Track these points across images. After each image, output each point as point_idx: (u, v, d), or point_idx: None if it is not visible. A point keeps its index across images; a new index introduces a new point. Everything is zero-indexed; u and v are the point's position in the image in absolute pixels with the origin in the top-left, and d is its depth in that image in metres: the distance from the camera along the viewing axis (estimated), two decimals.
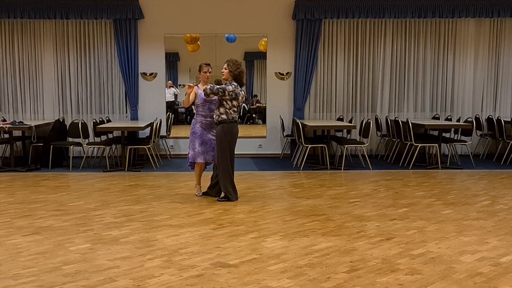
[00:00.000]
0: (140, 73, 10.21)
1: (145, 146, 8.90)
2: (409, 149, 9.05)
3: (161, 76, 10.33)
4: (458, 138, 9.52)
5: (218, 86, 6.22)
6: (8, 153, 9.18)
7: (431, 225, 5.27)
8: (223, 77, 6.38)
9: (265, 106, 10.89)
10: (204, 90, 6.22)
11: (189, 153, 6.60)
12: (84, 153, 9.21)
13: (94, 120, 9.44)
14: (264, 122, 11.16)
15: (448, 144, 9.47)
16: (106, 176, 8.27)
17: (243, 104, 12.29)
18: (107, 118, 9.98)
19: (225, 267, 4.03)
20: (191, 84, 6.45)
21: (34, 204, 6.23)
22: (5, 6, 9.66)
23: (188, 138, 6.67)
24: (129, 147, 8.86)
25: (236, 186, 6.47)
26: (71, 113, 10.15)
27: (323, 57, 10.28)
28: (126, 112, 10.23)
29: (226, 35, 10.67)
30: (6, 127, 8.51)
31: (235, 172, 6.47)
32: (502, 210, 5.95)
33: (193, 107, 6.71)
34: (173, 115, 10.83)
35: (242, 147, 8.61)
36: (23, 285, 3.67)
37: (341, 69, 10.32)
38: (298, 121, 9.18)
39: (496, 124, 9.56)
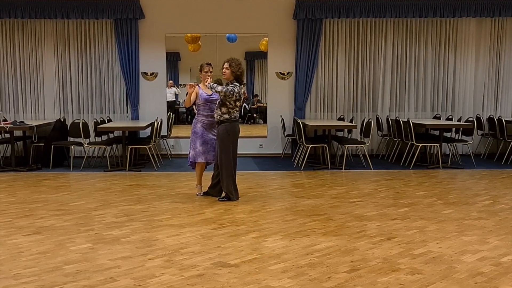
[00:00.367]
0: (141, 72, 10.21)
1: (146, 146, 8.90)
2: (410, 148, 9.04)
3: (162, 76, 10.33)
4: (459, 138, 9.53)
5: (226, 88, 6.09)
6: (9, 153, 9.19)
7: (432, 225, 5.26)
8: (224, 77, 6.34)
9: (266, 106, 10.88)
10: (219, 93, 6.08)
11: (190, 152, 6.60)
12: (85, 153, 9.23)
13: (95, 120, 9.44)
14: (265, 122, 11.15)
15: (449, 144, 9.46)
16: (107, 176, 8.27)
17: (244, 104, 12.31)
18: (108, 118, 9.98)
19: (226, 267, 4.03)
20: (192, 84, 6.44)
21: (35, 204, 6.24)
22: (6, 5, 9.67)
23: (189, 137, 6.68)
24: (130, 147, 8.87)
25: (237, 186, 6.47)
26: (72, 113, 10.16)
27: (324, 57, 10.28)
28: (127, 112, 10.24)
29: (227, 34, 10.66)
30: (7, 127, 8.51)
31: (236, 172, 6.47)
32: (503, 209, 5.95)
33: (194, 107, 6.70)
34: (174, 115, 10.83)
35: (243, 147, 8.60)
36: (24, 284, 3.67)
37: (342, 68, 10.31)
38: (299, 120, 9.18)
39: (497, 124, 9.55)
